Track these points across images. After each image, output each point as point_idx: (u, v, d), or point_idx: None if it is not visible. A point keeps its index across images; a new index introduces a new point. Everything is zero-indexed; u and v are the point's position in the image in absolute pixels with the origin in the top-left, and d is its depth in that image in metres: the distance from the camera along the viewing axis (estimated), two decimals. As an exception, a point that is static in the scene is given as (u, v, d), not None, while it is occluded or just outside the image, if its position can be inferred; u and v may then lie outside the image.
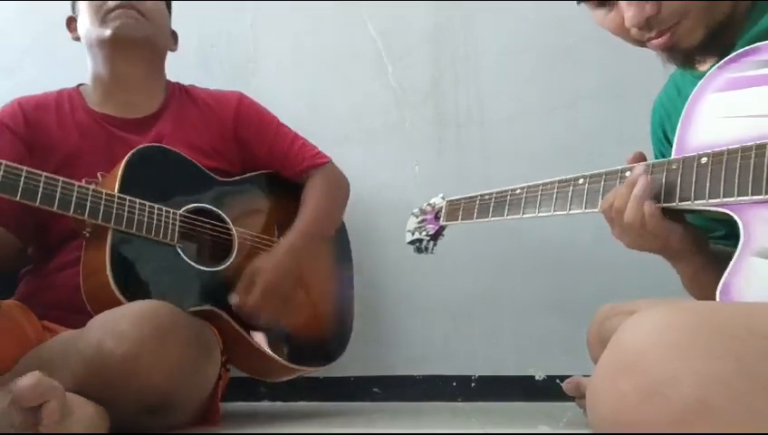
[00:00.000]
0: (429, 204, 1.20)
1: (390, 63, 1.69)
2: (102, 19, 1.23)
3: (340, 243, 1.50)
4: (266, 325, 1.23)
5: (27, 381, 0.79)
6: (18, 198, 0.97)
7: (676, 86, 1.01)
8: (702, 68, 0.92)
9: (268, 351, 1.24)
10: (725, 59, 0.81)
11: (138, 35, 1.25)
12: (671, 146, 0.97)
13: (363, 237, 1.60)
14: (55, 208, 1.01)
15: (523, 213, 0.99)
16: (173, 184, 1.20)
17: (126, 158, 1.14)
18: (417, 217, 1.22)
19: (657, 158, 1.04)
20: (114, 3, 1.23)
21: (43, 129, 1.23)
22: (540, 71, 1.64)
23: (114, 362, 0.92)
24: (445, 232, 1.19)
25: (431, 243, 1.19)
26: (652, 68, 1.58)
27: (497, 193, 1.05)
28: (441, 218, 1.15)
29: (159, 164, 1.20)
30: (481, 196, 1.07)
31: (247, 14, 1.74)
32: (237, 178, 1.35)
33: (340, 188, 1.46)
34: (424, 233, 1.19)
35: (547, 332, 1.55)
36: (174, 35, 1.40)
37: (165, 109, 1.33)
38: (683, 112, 0.84)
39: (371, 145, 1.67)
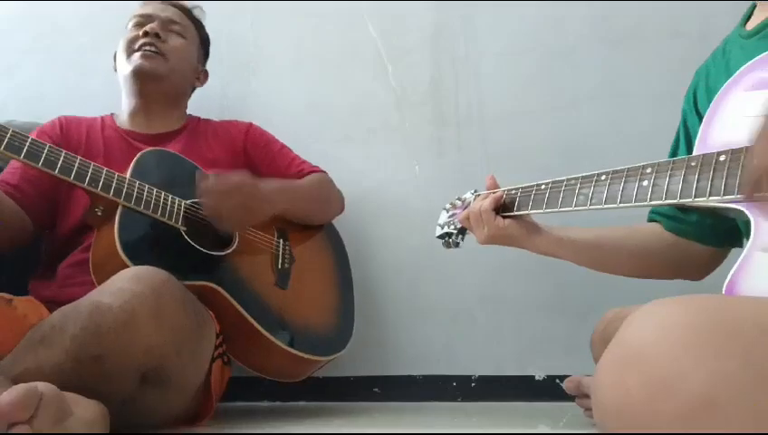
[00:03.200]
0: (460, 199, 1.23)
1: (390, 63, 1.70)
2: (130, 56, 1.39)
3: (334, 238, 1.54)
4: (220, 216, 1.24)
5: (6, 398, 0.77)
6: (40, 165, 1.05)
7: (724, 49, 1.00)
8: (750, 26, 0.93)
9: (264, 331, 1.24)
10: (757, 57, 0.82)
11: (155, 71, 1.38)
12: (697, 114, 0.99)
13: (363, 237, 1.60)
14: (72, 179, 1.08)
15: (546, 207, 1.03)
16: (177, 183, 1.26)
17: (136, 157, 1.24)
18: (448, 212, 1.23)
19: (682, 117, 1.07)
20: (141, 41, 1.38)
21: (73, 136, 1.37)
22: (540, 71, 1.64)
23: (111, 316, 0.93)
24: None
25: (459, 237, 1.21)
26: (652, 68, 1.59)
27: (523, 188, 1.09)
28: None
29: (166, 165, 1.29)
30: (508, 190, 1.12)
31: (247, 15, 1.75)
32: None
33: (331, 192, 1.52)
34: (452, 227, 1.20)
35: (547, 332, 1.55)
36: (203, 73, 1.55)
37: (181, 131, 1.46)
38: (709, 108, 0.85)
39: (371, 145, 1.67)
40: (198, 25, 1.52)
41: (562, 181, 1.02)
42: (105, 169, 1.14)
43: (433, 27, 1.69)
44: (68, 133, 1.37)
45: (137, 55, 1.38)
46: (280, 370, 1.35)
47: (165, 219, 1.18)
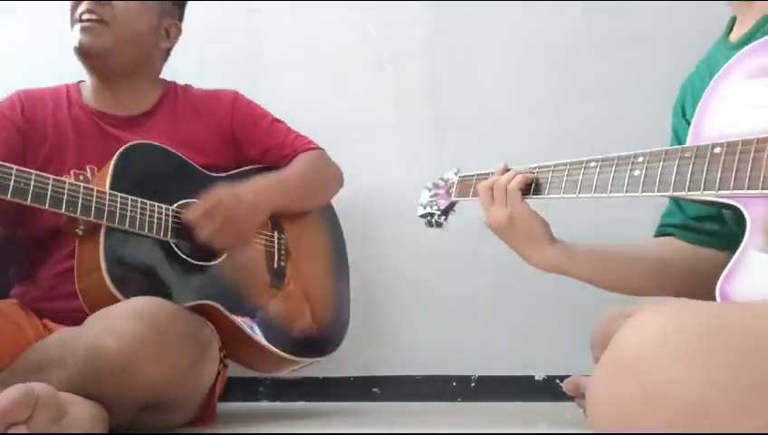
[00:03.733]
0: (443, 178, 1.19)
1: (390, 64, 1.69)
2: (72, 27, 1.22)
3: (334, 235, 1.50)
4: (213, 241, 1.18)
5: (4, 399, 0.78)
6: (9, 198, 0.96)
7: (708, 61, 0.99)
8: (733, 38, 0.92)
9: (264, 342, 1.24)
10: (749, 46, 0.79)
11: (97, 46, 1.21)
12: (688, 125, 0.97)
13: (363, 238, 1.59)
14: (47, 207, 1.00)
15: (533, 194, 0.98)
16: (164, 181, 1.19)
17: (116, 156, 1.14)
18: (430, 191, 1.20)
19: (672, 132, 1.04)
20: (80, 9, 1.20)
21: (38, 120, 1.23)
22: (540, 71, 1.64)
23: (111, 359, 0.92)
24: (456, 208, 1.17)
25: (442, 217, 1.17)
26: (652, 68, 1.59)
27: (540, 167, 1.01)
28: (452, 194, 1.14)
29: (150, 161, 1.19)
30: (492, 173, 1.05)
31: (247, 15, 1.74)
32: (230, 172, 1.34)
33: (325, 171, 1.43)
34: (435, 207, 1.17)
35: (547, 332, 1.55)
36: (173, 28, 1.34)
37: (158, 107, 1.32)
38: (702, 99, 0.83)
39: (371, 145, 1.67)
40: None
41: (549, 166, 0.96)
42: (82, 185, 1.05)
43: (433, 27, 1.69)
44: (32, 117, 1.23)
45: (77, 28, 1.20)
46: (275, 369, 1.36)
47: (153, 235, 1.12)
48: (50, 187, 1.00)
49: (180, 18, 1.37)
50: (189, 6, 1.53)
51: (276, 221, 1.36)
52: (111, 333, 0.93)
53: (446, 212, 1.17)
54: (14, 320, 1.12)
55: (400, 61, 1.69)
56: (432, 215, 1.18)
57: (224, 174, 1.31)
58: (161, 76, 1.38)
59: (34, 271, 1.22)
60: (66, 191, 1.02)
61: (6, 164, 0.98)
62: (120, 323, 0.95)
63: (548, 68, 1.63)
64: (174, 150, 1.23)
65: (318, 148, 1.43)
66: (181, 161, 1.24)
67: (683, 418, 0.52)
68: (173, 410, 1.05)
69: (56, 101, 1.27)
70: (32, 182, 0.98)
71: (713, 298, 1.03)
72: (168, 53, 1.37)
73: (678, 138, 1.04)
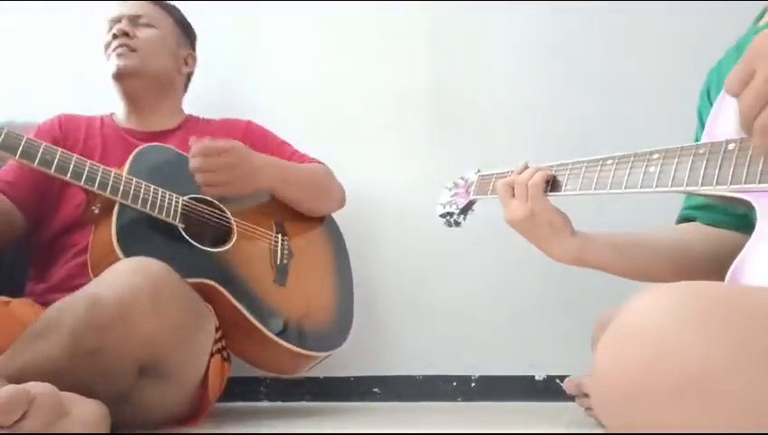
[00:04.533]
0: (463, 178, 1.20)
1: (390, 63, 1.70)
2: (107, 56, 1.41)
3: (334, 232, 1.52)
4: (203, 177, 1.23)
5: None
6: (36, 164, 1.05)
7: (738, 46, 0.99)
8: (763, 23, 0.91)
9: (265, 330, 1.24)
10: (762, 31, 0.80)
11: (129, 67, 1.39)
12: (712, 105, 0.97)
13: (363, 238, 1.60)
14: (68, 177, 1.08)
15: (551, 191, 0.98)
16: (176, 178, 1.25)
17: (133, 153, 1.24)
18: (450, 191, 1.21)
19: (698, 115, 1.05)
20: (113, 43, 1.39)
21: (72, 134, 1.39)
22: (540, 71, 1.64)
23: (109, 309, 0.93)
24: (475, 207, 1.18)
25: (461, 216, 1.18)
26: (652, 68, 1.59)
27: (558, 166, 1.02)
28: (471, 192, 1.15)
29: (164, 161, 1.28)
30: (511, 172, 1.06)
31: (247, 15, 1.74)
32: None
33: (332, 183, 1.49)
34: (454, 206, 1.18)
35: (547, 332, 1.55)
36: (190, 57, 1.53)
37: (178, 129, 1.46)
38: (719, 96, 0.84)
39: (371, 145, 1.67)
40: (171, 10, 1.50)
41: (567, 164, 0.97)
42: (102, 166, 1.13)
43: (433, 27, 1.69)
44: (67, 131, 1.39)
45: (112, 57, 1.39)
46: (278, 365, 1.35)
47: (162, 216, 1.18)
48: (72, 161, 1.10)
49: (194, 49, 1.55)
50: (190, 6, 1.54)
51: (280, 226, 1.39)
52: (109, 286, 0.96)
53: (464, 211, 1.18)
54: (21, 319, 1.11)
55: (401, 60, 1.69)
56: (451, 214, 1.18)
57: None
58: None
59: (48, 268, 1.28)
60: (87, 167, 1.11)
61: (36, 139, 1.07)
62: (117, 275, 0.98)
63: (548, 68, 1.64)
64: (184, 153, 1.29)
65: (324, 163, 1.50)
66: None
67: (684, 387, 0.52)
68: (170, 379, 1.06)
69: (90, 122, 1.43)
70: (57, 155, 1.08)
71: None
72: (188, 78, 1.54)
73: (702, 121, 1.04)
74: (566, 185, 0.96)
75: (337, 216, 1.55)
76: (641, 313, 0.57)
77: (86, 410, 0.90)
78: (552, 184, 0.99)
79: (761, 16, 0.97)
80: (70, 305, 0.96)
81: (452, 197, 1.20)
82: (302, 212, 1.44)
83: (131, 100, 1.43)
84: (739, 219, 0.97)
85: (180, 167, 1.27)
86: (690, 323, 0.54)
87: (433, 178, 1.62)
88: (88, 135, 1.39)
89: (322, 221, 1.52)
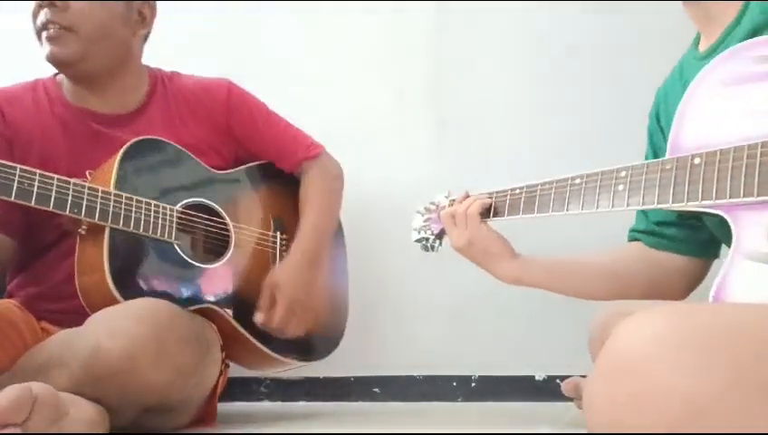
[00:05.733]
0: (433, 202, 1.21)
1: (390, 63, 1.69)
2: (39, 39, 1.16)
3: (335, 237, 1.49)
4: (293, 337, 1.24)
5: (2, 399, 0.78)
6: (13, 199, 0.95)
7: (681, 70, 1.01)
8: (702, 48, 0.95)
9: (266, 349, 1.24)
10: (721, 54, 0.81)
11: (68, 54, 1.14)
12: (662, 132, 0.98)
13: (363, 238, 1.59)
14: (51, 208, 0.99)
15: (522, 213, 1.02)
16: (169, 178, 1.18)
17: (120, 152, 1.11)
18: (423, 216, 1.22)
19: (648, 137, 1.07)
20: (40, 19, 1.13)
21: (21, 124, 1.18)
22: (540, 71, 1.64)
23: (111, 361, 0.91)
24: None
25: (437, 242, 1.19)
26: (652, 68, 1.59)
27: (498, 193, 1.07)
28: (442, 218, 1.15)
29: (154, 158, 1.17)
30: (479, 195, 1.10)
31: (247, 15, 1.74)
32: (232, 170, 1.32)
33: (336, 178, 1.43)
34: (429, 232, 1.19)
35: (547, 332, 1.55)
36: (147, 9, 1.23)
37: (149, 103, 1.26)
38: (677, 111, 0.84)
39: (371, 145, 1.67)
40: None
41: (536, 186, 1.00)
42: (86, 186, 1.04)
43: (433, 27, 1.69)
44: (14, 120, 1.17)
45: (44, 39, 1.13)
46: (265, 367, 1.36)
47: (157, 236, 1.11)
48: (54, 187, 0.99)
49: None
50: (190, 6, 1.52)
51: (279, 222, 1.36)
52: (112, 335, 0.93)
53: (439, 236, 1.19)
54: (12, 321, 1.11)
55: (401, 60, 1.69)
56: (426, 239, 1.20)
57: (226, 172, 1.30)
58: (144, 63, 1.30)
59: (41, 272, 1.20)
60: (71, 192, 1.01)
61: (9, 163, 0.96)
62: (121, 324, 0.95)
63: (548, 68, 1.63)
64: (177, 145, 1.20)
65: (320, 151, 1.41)
66: (184, 156, 1.22)
67: (679, 420, 0.52)
68: (174, 411, 1.05)
69: (35, 99, 1.20)
70: (35, 183, 0.97)
71: (670, 298, 1.04)
72: (146, 37, 1.27)
73: (653, 143, 1.07)
74: (537, 206, 0.99)
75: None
76: (628, 346, 0.56)
77: (84, 411, 0.90)
78: (495, 210, 1.07)
79: (698, 39, 0.98)
80: (71, 350, 0.94)
81: (425, 222, 1.21)
82: None
83: (80, 84, 1.20)
84: (676, 242, 1.02)
85: (171, 162, 1.19)
86: (679, 352, 0.53)
87: (433, 177, 1.63)
88: (42, 124, 1.18)
89: None
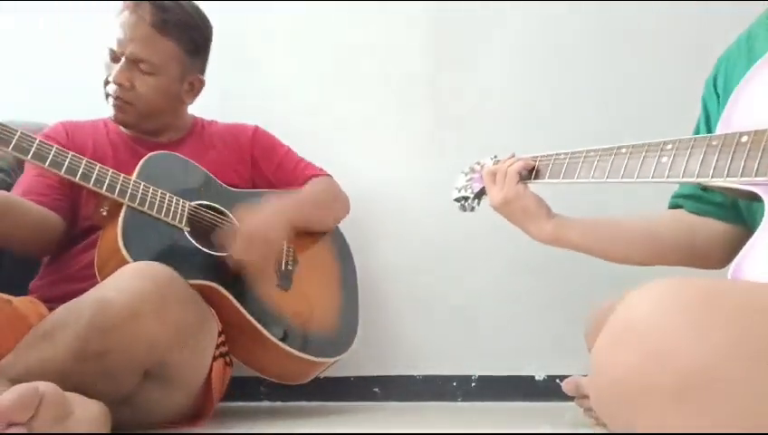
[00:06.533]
0: (479, 162, 1.22)
1: (390, 63, 1.69)
2: (106, 96, 1.33)
3: (337, 236, 1.53)
4: (253, 272, 1.27)
5: (6, 398, 0.78)
6: (46, 166, 1.09)
7: (748, 38, 0.99)
8: None
9: (266, 333, 1.25)
10: None
11: (125, 121, 1.35)
12: (717, 98, 0.97)
13: (363, 238, 1.60)
14: (77, 179, 1.11)
15: (563, 177, 1.02)
16: (184, 185, 1.28)
17: (142, 160, 1.25)
18: (466, 175, 1.24)
19: (702, 104, 1.05)
20: (108, 88, 1.31)
21: (80, 143, 1.35)
22: (541, 71, 1.64)
23: (115, 311, 0.95)
24: (477, 207, 1.21)
25: (475, 201, 1.21)
26: (652, 68, 1.59)
27: (542, 157, 1.08)
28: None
29: (173, 168, 1.30)
30: (528, 158, 1.10)
31: (248, 15, 1.74)
32: (245, 190, 1.42)
33: (337, 195, 1.52)
34: (469, 190, 1.21)
35: (547, 332, 1.55)
36: (196, 81, 1.41)
37: (188, 137, 1.44)
38: (739, 85, 0.83)
39: (371, 145, 1.67)
40: (179, 33, 1.32)
41: (581, 152, 1.00)
42: (111, 170, 1.15)
43: (433, 27, 1.69)
44: (74, 138, 1.36)
45: (109, 102, 1.33)
46: (282, 371, 1.35)
47: (168, 220, 1.19)
48: (83, 164, 1.13)
49: (203, 70, 1.42)
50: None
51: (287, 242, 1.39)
52: (115, 289, 0.98)
53: (479, 196, 1.20)
54: (25, 317, 1.12)
55: (401, 60, 1.69)
56: (466, 199, 1.21)
57: (239, 190, 1.40)
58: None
59: (66, 259, 1.28)
60: (96, 170, 1.14)
61: (47, 142, 1.11)
62: (124, 279, 1.01)
63: (548, 68, 1.64)
64: (194, 162, 1.34)
65: (328, 173, 1.51)
66: (200, 172, 1.34)
67: (684, 383, 0.52)
68: (173, 383, 1.08)
69: (95, 128, 1.40)
70: (68, 158, 1.12)
71: (709, 267, 1.05)
72: (193, 100, 1.45)
73: (706, 110, 1.04)
74: (579, 172, 0.99)
75: (342, 220, 1.55)
76: (636, 310, 0.57)
77: (89, 410, 0.90)
78: (537, 173, 1.07)
79: None
80: (76, 308, 0.97)
81: (467, 181, 1.22)
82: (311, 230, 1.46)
83: (134, 131, 1.39)
84: (719, 208, 1.01)
85: (188, 174, 1.31)
86: (686, 319, 0.54)
87: (433, 178, 1.63)
88: (96, 142, 1.36)
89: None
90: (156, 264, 1.07)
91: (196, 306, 1.12)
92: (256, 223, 1.27)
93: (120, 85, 1.29)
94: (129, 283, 0.99)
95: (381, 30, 1.71)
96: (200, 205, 1.27)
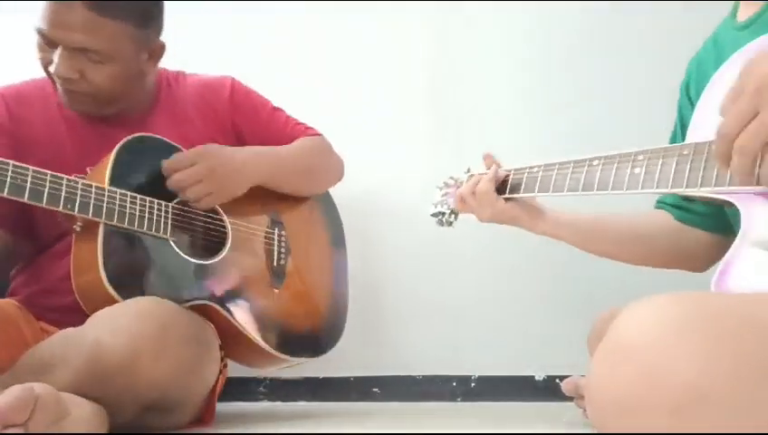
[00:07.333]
0: (453, 178, 1.22)
1: (390, 63, 1.69)
2: (53, 82, 1.14)
3: (333, 229, 1.49)
4: (187, 191, 1.15)
5: (3, 400, 0.78)
6: (6, 194, 0.95)
7: (715, 40, 0.99)
8: (741, 17, 0.92)
9: (263, 344, 1.23)
10: (748, 44, 0.79)
11: (83, 108, 1.17)
12: (691, 105, 0.97)
13: (363, 238, 1.60)
14: (44, 204, 0.99)
15: (538, 191, 1.02)
16: (164, 174, 1.17)
17: (116, 149, 1.11)
18: (441, 190, 1.23)
19: (677, 111, 1.06)
20: (52, 69, 1.10)
21: (27, 122, 1.18)
22: (540, 71, 1.64)
23: (113, 359, 0.92)
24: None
25: (452, 216, 1.20)
26: (652, 68, 1.59)
27: (516, 170, 1.08)
28: None
29: (150, 154, 1.16)
30: (498, 171, 1.10)
31: (248, 15, 1.74)
32: None
33: (327, 157, 1.42)
34: (445, 206, 1.20)
35: (547, 332, 1.55)
36: (156, 50, 1.22)
37: (156, 105, 1.28)
38: (707, 88, 0.83)
39: (371, 145, 1.67)
40: (124, 11, 1.10)
41: (554, 165, 1.00)
42: (80, 181, 1.03)
43: (433, 28, 1.69)
44: (20, 117, 1.18)
45: (60, 92, 1.14)
46: (265, 365, 1.36)
47: (152, 232, 1.11)
48: (47, 183, 0.99)
49: (159, 33, 1.21)
50: (190, 6, 1.52)
51: (276, 219, 1.35)
52: (114, 333, 0.93)
53: (455, 212, 1.19)
54: (12, 319, 1.11)
55: (401, 60, 1.69)
56: (443, 214, 1.20)
57: None
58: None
59: (43, 269, 1.21)
60: (64, 188, 1.00)
61: (3, 160, 0.96)
62: (123, 322, 0.95)
63: (548, 68, 1.64)
64: (172, 142, 1.20)
65: (319, 134, 1.41)
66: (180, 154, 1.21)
67: (681, 402, 0.51)
68: (175, 410, 1.06)
69: (44, 98, 1.20)
70: (28, 179, 0.97)
71: (695, 270, 1.07)
72: (156, 66, 1.27)
73: (681, 116, 1.05)
74: (554, 185, 0.99)
75: (335, 184, 1.50)
76: (634, 326, 0.56)
77: (85, 411, 0.90)
78: (512, 186, 1.07)
79: (736, 10, 0.96)
80: (75, 343, 0.94)
81: (443, 196, 1.22)
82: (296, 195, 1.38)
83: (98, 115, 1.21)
84: (703, 217, 1.02)
85: (167, 158, 1.17)
86: (683, 336, 0.53)
87: (433, 178, 1.62)
88: (48, 123, 1.18)
89: (319, 205, 1.46)
90: (156, 301, 1.01)
91: (199, 339, 1.06)
92: (215, 148, 1.17)
93: (67, 79, 1.10)
94: (129, 326, 0.94)
95: (381, 30, 1.71)
96: (183, 201, 1.17)
